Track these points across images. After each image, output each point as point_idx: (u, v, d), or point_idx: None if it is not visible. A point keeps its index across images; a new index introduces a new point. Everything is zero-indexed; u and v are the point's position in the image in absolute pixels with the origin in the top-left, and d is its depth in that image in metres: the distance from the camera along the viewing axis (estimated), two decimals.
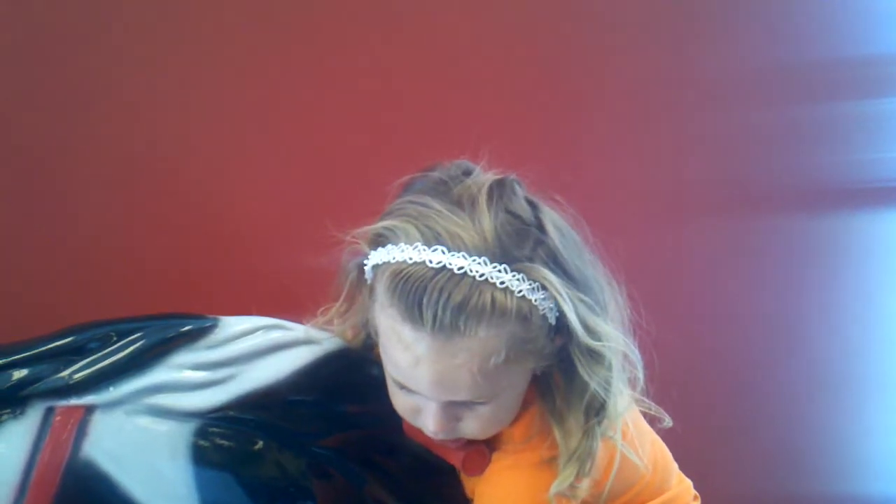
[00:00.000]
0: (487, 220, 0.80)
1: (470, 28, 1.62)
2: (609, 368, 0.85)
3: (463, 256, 0.78)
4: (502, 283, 0.78)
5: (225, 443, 0.79)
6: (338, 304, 0.89)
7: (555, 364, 0.86)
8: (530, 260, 0.81)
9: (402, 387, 0.83)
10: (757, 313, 1.77)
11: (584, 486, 0.86)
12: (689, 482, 1.13)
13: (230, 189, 1.54)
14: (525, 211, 0.83)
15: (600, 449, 0.87)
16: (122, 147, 1.49)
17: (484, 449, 0.84)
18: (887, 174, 2.22)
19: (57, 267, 1.42)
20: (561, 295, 0.81)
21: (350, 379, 0.86)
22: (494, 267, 0.78)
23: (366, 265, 0.83)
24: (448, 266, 0.77)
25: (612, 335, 0.85)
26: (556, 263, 0.83)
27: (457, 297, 0.77)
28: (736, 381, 1.91)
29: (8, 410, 0.73)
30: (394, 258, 0.79)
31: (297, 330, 0.85)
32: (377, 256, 0.81)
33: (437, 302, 0.77)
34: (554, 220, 0.85)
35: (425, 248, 0.79)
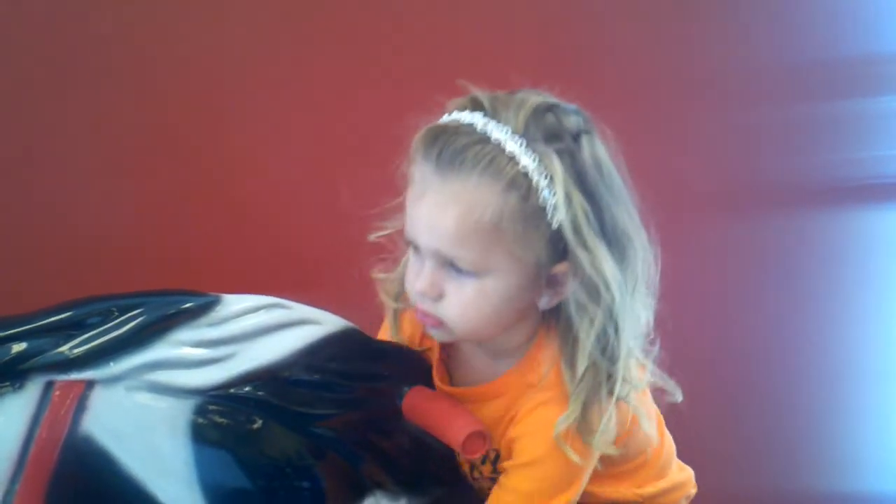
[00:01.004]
0: (528, 109, 0.86)
1: (472, 28, 1.62)
2: (608, 301, 0.87)
3: (489, 121, 0.86)
4: (511, 151, 0.84)
5: (224, 421, 0.78)
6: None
7: (560, 300, 0.89)
8: (547, 153, 0.85)
9: (411, 243, 0.89)
10: (753, 309, 1.78)
11: (600, 438, 0.88)
12: (690, 471, 1.14)
13: (232, 168, 1.54)
14: (570, 125, 0.88)
15: (613, 408, 0.89)
16: (122, 128, 1.49)
17: (483, 431, 0.84)
18: (886, 171, 2.22)
19: (58, 244, 1.42)
20: (564, 192, 0.85)
21: (350, 360, 0.86)
22: (512, 137, 0.85)
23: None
24: (472, 124, 0.86)
25: (612, 270, 0.87)
26: (579, 175, 0.87)
27: (464, 141, 0.84)
28: (730, 376, 1.91)
29: (7, 384, 0.73)
30: (432, 123, 0.89)
31: (298, 309, 0.84)
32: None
33: (447, 141, 0.85)
34: (597, 152, 0.89)
35: (467, 112, 0.87)
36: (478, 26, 1.59)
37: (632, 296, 0.90)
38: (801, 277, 2.04)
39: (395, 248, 0.98)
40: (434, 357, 0.99)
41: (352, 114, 1.58)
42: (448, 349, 0.99)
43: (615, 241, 0.88)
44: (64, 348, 0.74)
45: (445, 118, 0.88)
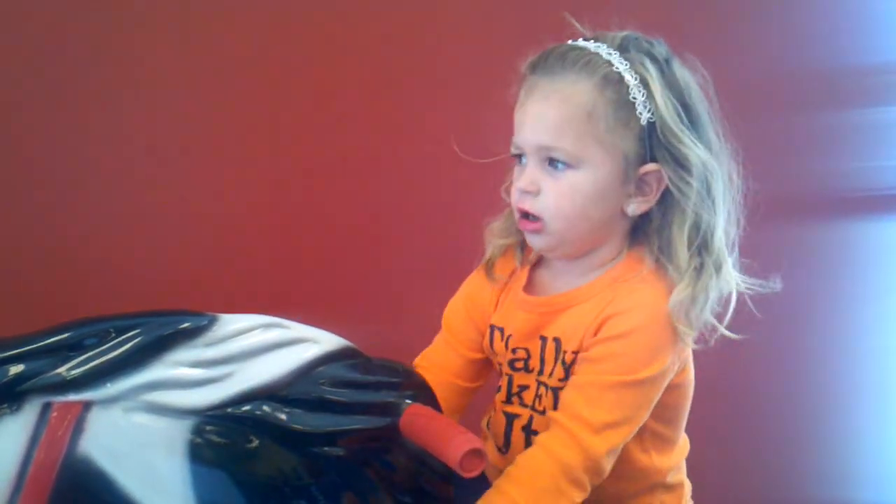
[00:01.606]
0: (623, 35, 1.02)
1: (477, 31, 1.63)
2: (701, 191, 0.99)
3: (591, 42, 1.01)
4: (607, 58, 0.99)
5: (221, 440, 0.78)
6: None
7: (648, 207, 1.01)
8: (641, 62, 1.00)
9: (516, 155, 1.03)
10: (752, 319, 1.77)
11: (698, 320, 0.98)
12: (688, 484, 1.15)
13: (230, 188, 1.55)
14: (661, 51, 1.03)
15: (713, 294, 1.00)
16: (120, 145, 1.49)
17: (481, 451, 0.84)
18: (890, 182, 2.22)
19: (55, 264, 1.42)
20: (658, 92, 0.98)
21: (348, 378, 0.85)
22: (608, 50, 1.00)
23: None
24: (572, 43, 1.02)
25: (705, 157, 0.99)
26: (669, 84, 1.00)
27: (565, 50, 1.01)
28: (729, 386, 1.91)
29: (4, 406, 0.73)
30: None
31: (295, 328, 0.84)
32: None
33: (550, 53, 1.01)
34: (685, 74, 1.03)
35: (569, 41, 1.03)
36: (486, 32, 1.60)
37: (721, 193, 1.00)
38: (801, 288, 2.04)
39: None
40: (523, 276, 1.11)
41: (349, 133, 1.58)
42: (538, 269, 1.12)
43: (705, 141, 1.01)
44: (61, 370, 0.74)
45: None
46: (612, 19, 1.06)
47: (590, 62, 0.99)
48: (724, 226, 1.02)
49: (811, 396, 2.15)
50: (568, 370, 1.03)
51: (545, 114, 0.99)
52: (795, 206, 2.02)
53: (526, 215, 1.03)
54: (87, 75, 1.48)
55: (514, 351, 1.09)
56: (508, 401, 1.10)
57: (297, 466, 0.82)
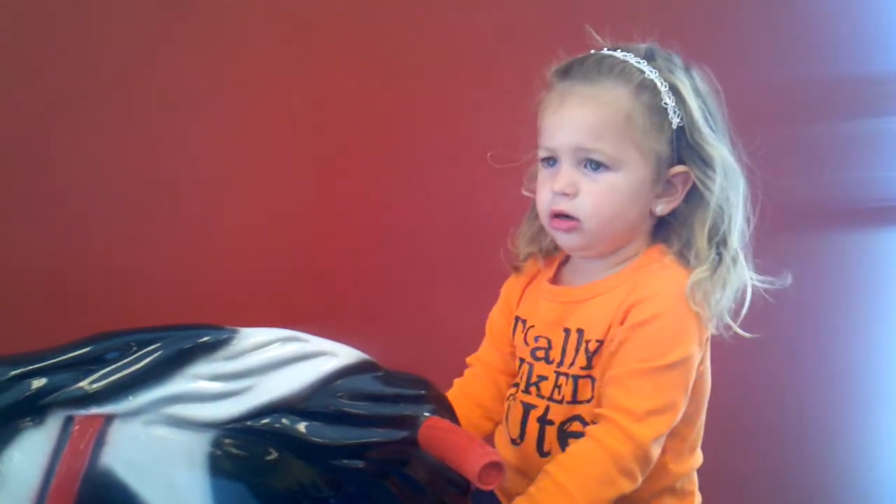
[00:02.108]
0: (644, 47, 1.08)
1: (481, 35, 1.63)
2: (724, 188, 1.04)
3: (617, 51, 1.06)
4: (638, 66, 1.04)
5: (240, 453, 0.79)
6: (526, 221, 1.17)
7: (674, 206, 1.06)
8: (669, 69, 1.05)
9: (546, 159, 1.07)
10: (760, 329, 1.76)
11: (717, 306, 1.02)
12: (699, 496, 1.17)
13: (250, 201, 1.55)
14: (679, 62, 1.08)
15: (729, 282, 1.03)
16: (140, 161, 1.50)
17: (500, 464, 0.84)
18: (889, 193, 2.21)
19: (72, 279, 1.43)
20: (688, 97, 1.03)
21: (367, 391, 0.86)
22: (636, 59, 1.05)
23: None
24: (603, 52, 1.07)
25: (729, 158, 1.05)
26: (694, 89, 1.06)
27: (599, 57, 1.06)
28: (737, 396, 1.90)
29: (27, 419, 0.74)
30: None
31: (314, 342, 0.85)
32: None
33: (583, 60, 1.06)
34: (705, 83, 1.09)
35: (592, 51, 1.08)
36: (492, 35, 1.60)
37: (740, 191, 1.06)
38: (812, 297, 2.02)
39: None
40: (549, 271, 1.16)
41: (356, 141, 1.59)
42: (563, 265, 1.16)
43: (725, 143, 1.06)
44: (83, 383, 0.75)
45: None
46: (623, 32, 1.09)
47: (625, 69, 1.04)
48: (741, 222, 1.06)
49: (822, 405, 2.13)
50: (591, 359, 1.06)
51: (585, 117, 1.03)
52: (797, 217, 2.02)
53: (559, 215, 1.06)
54: (104, 81, 1.49)
55: (536, 339, 1.12)
56: (526, 390, 1.12)
57: (315, 479, 0.82)
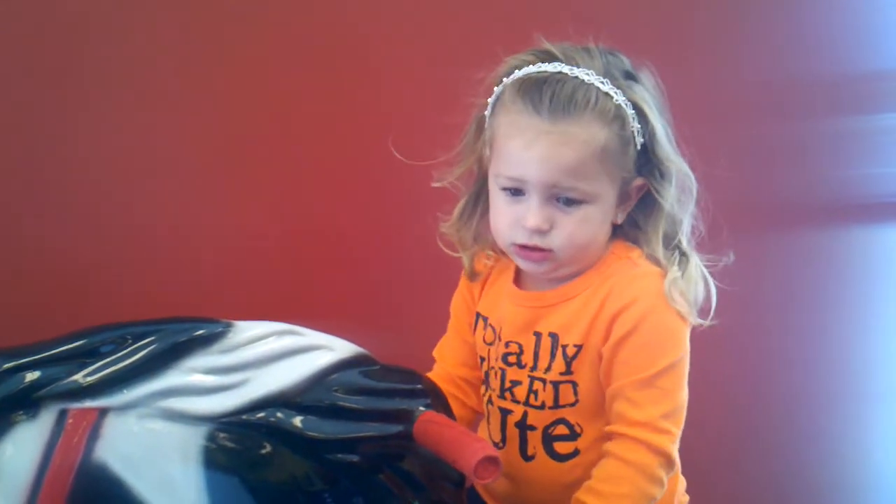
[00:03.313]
0: (598, 56, 1.03)
1: (471, 37, 1.63)
2: (678, 189, 1.05)
3: (573, 68, 1.01)
4: (606, 90, 1.00)
5: (235, 447, 0.78)
6: (463, 201, 1.14)
7: (626, 212, 1.06)
8: (629, 87, 1.03)
9: (509, 188, 1.03)
10: (752, 327, 1.77)
11: (693, 300, 1.04)
12: (683, 480, 1.19)
13: (240, 196, 1.55)
14: (628, 66, 1.06)
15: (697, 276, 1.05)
16: (133, 152, 1.50)
17: (496, 458, 0.84)
18: (888, 189, 2.21)
19: (69, 271, 1.43)
20: (652, 117, 1.02)
21: (362, 385, 0.85)
22: (599, 79, 1.01)
23: (486, 109, 1.06)
24: (563, 71, 1.01)
25: (683, 167, 1.05)
26: (652, 101, 1.04)
27: (569, 88, 0.99)
28: (731, 394, 1.90)
29: (21, 412, 0.73)
30: (518, 75, 1.03)
31: (310, 336, 0.84)
32: (502, 85, 1.04)
33: (553, 89, 0.99)
34: (655, 81, 1.08)
35: (546, 64, 1.02)
36: (481, 39, 1.60)
37: (691, 192, 1.07)
38: (802, 295, 2.04)
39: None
40: (509, 269, 1.14)
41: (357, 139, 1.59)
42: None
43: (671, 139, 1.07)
44: (77, 376, 0.75)
45: (529, 69, 1.02)
46: (606, 30, 1.08)
47: (597, 101, 1.00)
48: (689, 219, 1.08)
49: (811, 404, 2.14)
50: (570, 363, 1.06)
51: (565, 158, 0.99)
52: (792, 214, 2.02)
53: (529, 248, 1.04)
54: (92, 83, 1.49)
55: (507, 344, 1.11)
56: (502, 396, 1.12)
57: (310, 473, 0.82)
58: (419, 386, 0.92)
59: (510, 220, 1.04)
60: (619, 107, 1.01)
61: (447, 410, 0.93)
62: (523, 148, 1.00)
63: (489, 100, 1.07)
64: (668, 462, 1.01)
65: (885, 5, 2.11)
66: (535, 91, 1.01)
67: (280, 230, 1.58)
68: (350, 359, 0.86)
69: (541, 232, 1.02)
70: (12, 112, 1.43)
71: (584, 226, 1.02)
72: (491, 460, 0.82)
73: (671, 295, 1.02)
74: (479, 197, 1.13)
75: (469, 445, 0.82)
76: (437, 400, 0.93)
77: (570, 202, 1.01)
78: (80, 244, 1.46)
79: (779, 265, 1.91)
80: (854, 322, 2.20)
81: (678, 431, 1.02)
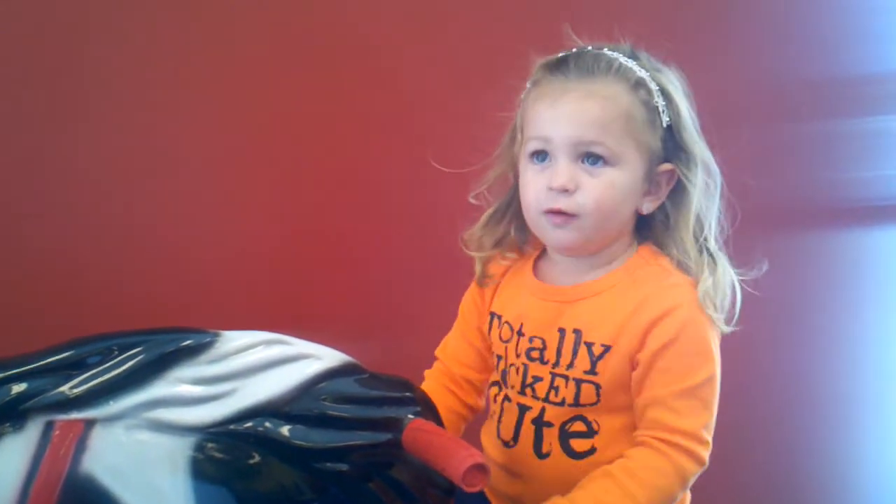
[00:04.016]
0: (627, 47, 1.09)
1: (469, 39, 1.63)
2: (706, 175, 1.07)
3: (601, 48, 1.07)
4: (630, 65, 1.04)
5: (224, 457, 0.78)
6: (493, 207, 1.16)
7: (658, 204, 1.08)
8: (655, 69, 1.07)
9: (537, 152, 1.05)
10: (747, 330, 1.77)
11: (723, 306, 1.05)
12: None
13: (234, 201, 1.55)
14: (654, 60, 1.09)
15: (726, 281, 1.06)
16: (122, 157, 1.49)
17: (485, 466, 0.84)
18: (883, 192, 2.22)
19: (69, 272, 1.43)
20: (677, 97, 1.05)
21: (351, 394, 0.85)
22: (625, 59, 1.05)
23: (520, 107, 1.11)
24: (593, 50, 1.07)
25: (708, 155, 1.07)
26: (682, 91, 1.08)
27: (595, 53, 1.05)
28: (726, 396, 1.90)
29: (7, 424, 0.73)
30: (548, 59, 1.08)
31: (298, 345, 0.84)
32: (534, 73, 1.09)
33: (579, 55, 1.06)
34: (682, 85, 1.10)
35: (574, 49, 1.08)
36: (479, 39, 1.61)
37: (717, 188, 1.08)
38: (799, 295, 2.04)
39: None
40: (527, 265, 1.15)
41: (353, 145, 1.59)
42: (541, 261, 1.15)
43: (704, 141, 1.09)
44: (64, 388, 0.74)
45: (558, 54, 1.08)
46: (608, 30, 1.09)
47: (621, 67, 1.05)
48: (718, 216, 1.09)
49: (809, 405, 2.14)
50: (595, 363, 1.05)
51: (588, 110, 1.02)
52: (787, 216, 2.03)
53: (554, 212, 1.05)
54: (91, 84, 1.48)
55: (530, 340, 1.10)
56: (522, 392, 1.11)
57: (299, 483, 0.81)
58: (408, 394, 0.92)
59: (538, 186, 1.05)
60: (642, 78, 1.04)
61: (436, 418, 0.93)
62: (549, 106, 1.04)
63: (522, 95, 1.11)
64: (703, 467, 1.03)
65: (882, 9, 2.13)
66: (560, 61, 1.06)
67: (279, 232, 1.58)
68: (338, 367, 0.86)
69: (567, 192, 1.02)
70: (12, 112, 1.43)
71: (610, 190, 1.03)
72: (479, 468, 0.82)
73: (705, 304, 1.03)
74: (511, 204, 1.15)
75: (457, 453, 0.82)
76: (426, 407, 0.93)
77: (596, 160, 1.03)
78: (79, 245, 1.45)
79: (774, 268, 1.91)
80: (849, 325, 2.21)
81: (711, 439, 1.04)
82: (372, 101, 1.60)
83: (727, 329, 1.07)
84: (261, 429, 0.80)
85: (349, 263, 1.62)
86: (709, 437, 1.03)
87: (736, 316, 1.08)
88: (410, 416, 0.88)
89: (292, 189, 1.59)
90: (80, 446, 0.74)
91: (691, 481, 1.03)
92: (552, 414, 1.09)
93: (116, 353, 0.76)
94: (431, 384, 1.22)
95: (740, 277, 1.09)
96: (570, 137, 1.03)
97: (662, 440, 1.02)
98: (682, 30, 1.79)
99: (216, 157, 1.55)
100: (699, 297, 1.03)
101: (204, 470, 0.77)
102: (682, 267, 1.07)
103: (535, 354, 1.10)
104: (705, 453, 1.03)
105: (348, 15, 1.60)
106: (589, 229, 1.05)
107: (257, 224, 1.56)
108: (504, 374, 1.14)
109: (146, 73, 1.50)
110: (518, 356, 1.12)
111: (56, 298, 1.42)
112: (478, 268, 1.20)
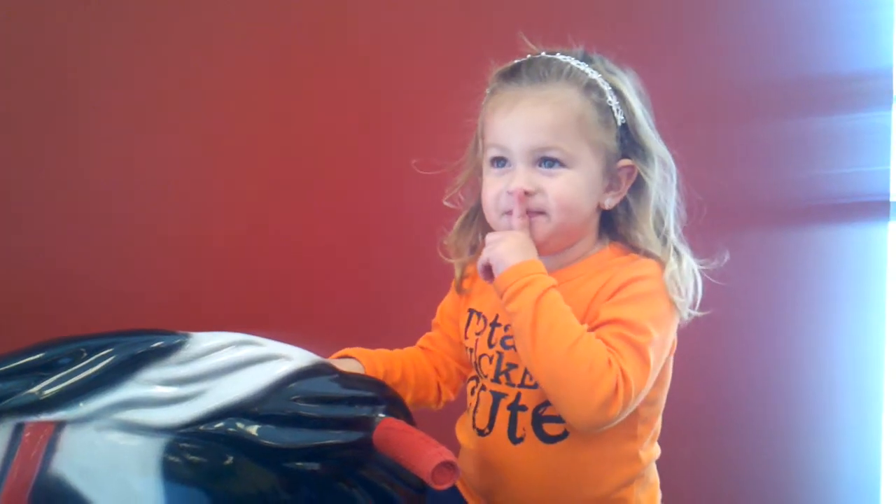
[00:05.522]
0: (578, 51, 1.12)
1: (464, 41, 1.64)
2: (662, 169, 1.10)
3: (555, 54, 1.10)
4: (581, 68, 1.08)
5: (195, 458, 0.79)
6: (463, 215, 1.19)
7: (620, 199, 1.10)
8: (608, 71, 1.10)
9: (496, 159, 1.09)
10: (730, 325, 1.79)
11: (688, 293, 1.07)
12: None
13: (241, 198, 1.55)
14: (609, 62, 1.12)
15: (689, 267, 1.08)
16: (131, 154, 1.49)
17: (454, 463, 0.85)
18: (873, 188, 2.25)
19: (68, 273, 1.42)
20: (630, 96, 1.08)
21: (321, 394, 0.86)
22: (577, 62, 1.09)
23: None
24: (545, 56, 1.10)
25: (663, 150, 1.10)
26: (634, 90, 1.10)
27: (544, 60, 1.09)
28: (708, 391, 1.92)
29: None
30: (503, 67, 1.11)
31: (268, 345, 0.85)
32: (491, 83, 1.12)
33: (531, 62, 1.09)
34: (638, 84, 1.13)
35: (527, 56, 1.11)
36: (472, 42, 1.61)
37: (673, 180, 1.11)
38: (787, 295, 2.06)
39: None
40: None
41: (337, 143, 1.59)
42: None
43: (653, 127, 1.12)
44: (34, 390, 0.75)
45: (513, 62, 1.10)
46: (568, 34, 1.11)
47: (572, 71, 1.08)
48: (675, 208, 1.12)
49: (789, 400, 2.16)
50: None
51: (541, 116, 1.05)
52: (779, 213, 2.05)
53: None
54: (91, 84, 1.48)
55: (506, 328, 1.13)
56: (496, 379, 1.13)
57: (271, 482, 0.82)
58: (378, 393, 0.93)
59: (497, 190, 1.09)
60: (594, 80, 1.08)
61: (406, 416, 0.94)
62: (504, 115, 1.07)
63: (483, 102, 1.14)
64: (641, 366, 1.01)
65: (849, 7, 2.15)
66: (513, 69, 1.10)
67: (269, 238, 1.58)
68: (309, 368, 0.86)
69: (526, 195, 1.06)
70: (12, 112, 1.42)
71: (569, 187, 1.06)
72: (448, 465, 0.83)
73: (670, 286, 1.06)
74: (479, 208, 1.17)
75: (426, 451, 0.83)
76: (397, 406, 0.94)
77: (552, 164, 1.06)
78: (78, 246, 1.45)
79: (761, 263, 1.93)
80: (837, 320, 2.23)
81: (648, 372, 1.02)
82: (356, 107, 1.61)
83: (687, 316, 1.09)
84: (231, 429, 0.80)
85: (331, 267, 1.63)
86: (637, 389, 1.00)
87: (697, 303, 1.10)
88: (381, 414, 0.89)
89: (276, 194, 1.59)
90: (51, 448, 0.74)
91: (603, 392, 0.98)
92: (527, 397, 1.10)
93: (86, 354, 0.77)
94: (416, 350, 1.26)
95: (702, 267, 1.12)
96: (525, 145, 1.06)
97: (605, 330, 1.03)
98: (658, 30, 1.81)
99: (216, 158, 1.55)
100: (665, 279, 1.06)
101: (175, 470, 0.78)
102: (649, 257, 1.10)
103: (510, 342, 1.11)
104: (644, 343, 1.01)
105: (346, 22, 1.61)
106: (557, 223, 1.08)
107: (241, 228, 1.56)
108: (476, 365, 1.16)
109: (143, 75, 1.50)
110: (492, 346, 1.14)
111: (56, 298, 1.42)
112: (457, 273, 1.22)
